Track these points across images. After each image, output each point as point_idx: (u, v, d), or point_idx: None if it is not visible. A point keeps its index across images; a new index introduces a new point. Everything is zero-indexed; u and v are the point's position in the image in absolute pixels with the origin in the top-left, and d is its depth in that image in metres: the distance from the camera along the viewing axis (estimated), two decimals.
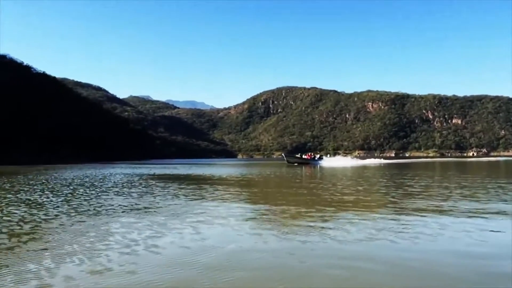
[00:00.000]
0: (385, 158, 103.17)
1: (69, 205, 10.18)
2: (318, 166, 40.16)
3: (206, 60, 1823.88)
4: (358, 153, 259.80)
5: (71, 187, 16.06)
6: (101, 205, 9.95)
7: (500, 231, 6.45)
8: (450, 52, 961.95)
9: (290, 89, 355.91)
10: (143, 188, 15.25)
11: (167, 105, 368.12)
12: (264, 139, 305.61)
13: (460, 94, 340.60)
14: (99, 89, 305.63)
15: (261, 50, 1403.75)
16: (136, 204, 10.29)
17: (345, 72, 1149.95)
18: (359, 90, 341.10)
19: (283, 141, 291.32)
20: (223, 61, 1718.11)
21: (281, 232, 6.41)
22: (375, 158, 74.82)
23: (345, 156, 78.85)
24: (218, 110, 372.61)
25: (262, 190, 14.49)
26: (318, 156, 54.68)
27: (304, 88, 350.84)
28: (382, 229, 6.33)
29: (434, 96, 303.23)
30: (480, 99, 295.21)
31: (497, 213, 8.11)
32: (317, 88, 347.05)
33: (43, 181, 20.35)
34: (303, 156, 51.20)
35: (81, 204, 10.43)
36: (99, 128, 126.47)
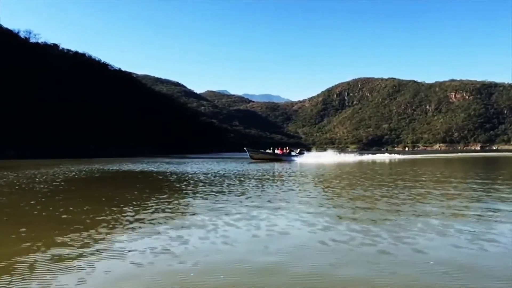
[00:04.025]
0: (407, 152, 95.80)
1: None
2: (298, 163, 34.94)
3: (281, 53, 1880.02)
4: (439, 146, 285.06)
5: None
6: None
7: None
8: None
9: (366, 80, 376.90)
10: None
11: (242, 99, 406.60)
12: (339, 132, 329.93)
13: None
14: (177, 84, 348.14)
15: (336, 42, 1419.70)
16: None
17: (426, 61, 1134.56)
18: (440, 79, 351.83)
19: (359, 134, 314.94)
20: (298, 54, 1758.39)
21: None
22: (385, 153, 66.23)
23: (340, 150, 70.56)
24: (293, 103, 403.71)
25: None
26: (298, 151, 47.56)
27: (381, 79, 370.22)
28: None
29: None
30: None
31: None
32: (395, 78, 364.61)
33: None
34: (276, 151, 44.29)
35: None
36: (172, 122, 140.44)
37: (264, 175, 19.14)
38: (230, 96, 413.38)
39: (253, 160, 41.57)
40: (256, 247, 5.27)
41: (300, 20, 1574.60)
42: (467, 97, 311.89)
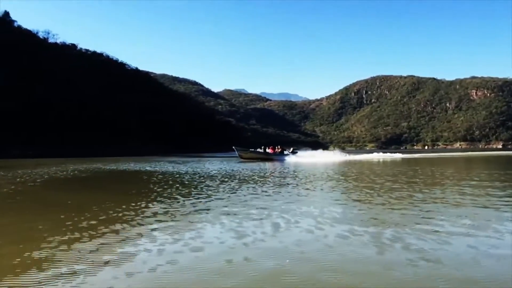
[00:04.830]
0: (425, 151, 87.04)
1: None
2: (292, 163, 32.95)
3: (299, 51, 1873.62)
4: (460, 145, 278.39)
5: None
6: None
7: None
8: None
9: (384, 78, 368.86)
10: None
11: (259, 98, 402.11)
12: (357, 130, 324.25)
13: None
14: (195, 83, 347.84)
15: (354, 39, 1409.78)
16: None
17: (446, 58, 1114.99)
18: (461, 76, 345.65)
19: (377, 133, 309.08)
20: (316, 52, 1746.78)
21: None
22: (395, 153, 59.27)
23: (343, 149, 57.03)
24: (310, 102, 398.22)
25: None
26: (291, 150, 44.97)
27: (400, 77, 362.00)
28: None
29: None
30: None
31: None
32: (414, 76, 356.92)
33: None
34: (267, 150, 42.38)
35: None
36: (188, 121, 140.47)
37: (253, 176, 18.22)
38: (247, 94, 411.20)
39: (243, 160, 39.94)
40: (136, 269, 4.38)
41: (318, 18, 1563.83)
42: (488, 94, 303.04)
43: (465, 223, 6.77)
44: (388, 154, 55.72)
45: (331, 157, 44.20)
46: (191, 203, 9.21)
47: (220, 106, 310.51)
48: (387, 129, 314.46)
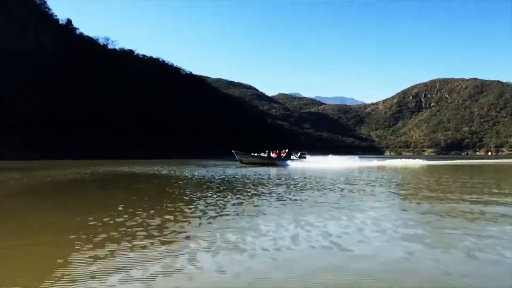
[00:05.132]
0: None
1: None
2: (300, 168, 31.62)
3: (355, 55, 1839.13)
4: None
5: None
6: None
7: None
8: None
9: (445, 81, 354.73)
10: None
11: (313, 102, 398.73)
12: (415, 135, 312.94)
13: None
14: (249, 87, 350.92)
15: (413, 41, 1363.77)
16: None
17: None
18: None
19: (436, 137, 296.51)
20: (373, 55, 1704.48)
21: None
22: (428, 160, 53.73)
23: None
24: (365, 106, 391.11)
25: None
26: (298, 154, 42.94)
27: (462, 80, 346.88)
28: None
29: None
30: None
31: None
32: (477, 79, 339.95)
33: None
34: (271, 154, 40.74)
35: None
36: (237, 124, 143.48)
37: (249, 183, 17.49)
38: (301, 98, 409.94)
39: (243, 165, 38.25)
40: None
41: (377, 19, 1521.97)
42: None
43: (434, 244, 5.94)
44: (421, 161, 50.59)
45: (340, 163, 42.74)
46: (143, 216, 8.34)
47: (274, 110, 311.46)
48: (447, 134, 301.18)
